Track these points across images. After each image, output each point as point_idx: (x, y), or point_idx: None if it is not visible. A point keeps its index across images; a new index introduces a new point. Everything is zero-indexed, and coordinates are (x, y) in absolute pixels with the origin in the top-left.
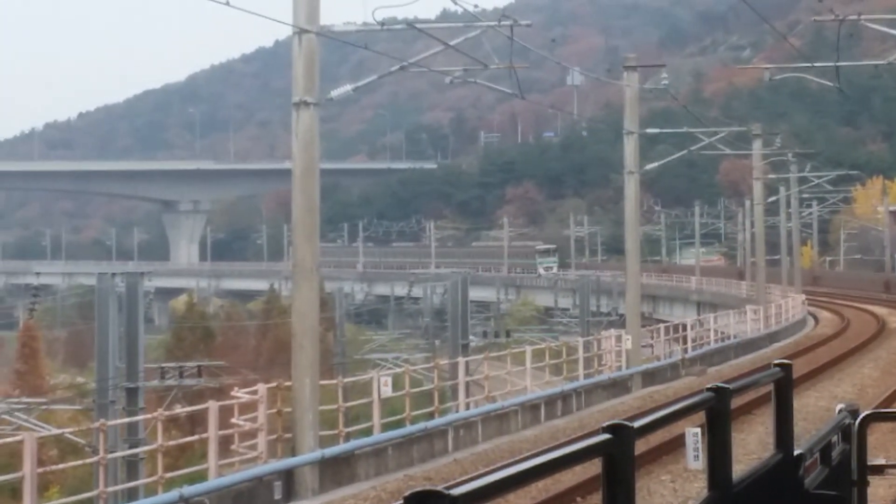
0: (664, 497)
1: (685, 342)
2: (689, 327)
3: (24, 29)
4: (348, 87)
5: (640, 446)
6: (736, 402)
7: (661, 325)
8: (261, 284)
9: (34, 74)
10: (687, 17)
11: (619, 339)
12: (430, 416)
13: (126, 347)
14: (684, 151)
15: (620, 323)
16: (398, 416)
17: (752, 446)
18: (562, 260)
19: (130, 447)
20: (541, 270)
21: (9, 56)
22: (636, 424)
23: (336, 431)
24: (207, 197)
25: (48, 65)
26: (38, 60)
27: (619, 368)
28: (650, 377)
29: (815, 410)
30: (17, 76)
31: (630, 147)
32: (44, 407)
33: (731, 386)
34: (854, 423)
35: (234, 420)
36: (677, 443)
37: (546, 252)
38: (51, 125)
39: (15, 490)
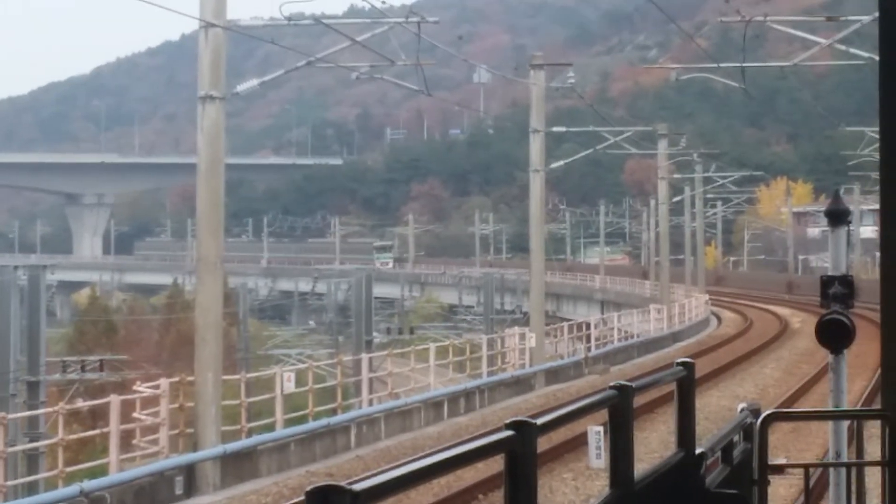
0: (566, 495)
1: (588, 341)
2: (592, 326)
3: None
4: (254, 82)
5: (543, 444)
6: (638, 401)
7: (565, 324)
8: (164, 279)
9: None
10: (593, 17)
11: (522, 337)
12: (333, 412)
13: (27, 340)
14: (590, 150)
15: (524, 321)
16: (301, 412)
17: (654, 445)
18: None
19: (31, 441)
20: (378, 265)
21: None
22: (539, 421)
23: (238, 427)
24: (112, 190)
25: None
26: None
27: (523, 366)
28: (553, 375)
29: (718, 410)
30: None
31: (536, 145)
32: None
33: (633, 384)
34: (756, 423)
35: (135, 414)
36: (580, 441)
37: (383, 248)
38: None
39: None
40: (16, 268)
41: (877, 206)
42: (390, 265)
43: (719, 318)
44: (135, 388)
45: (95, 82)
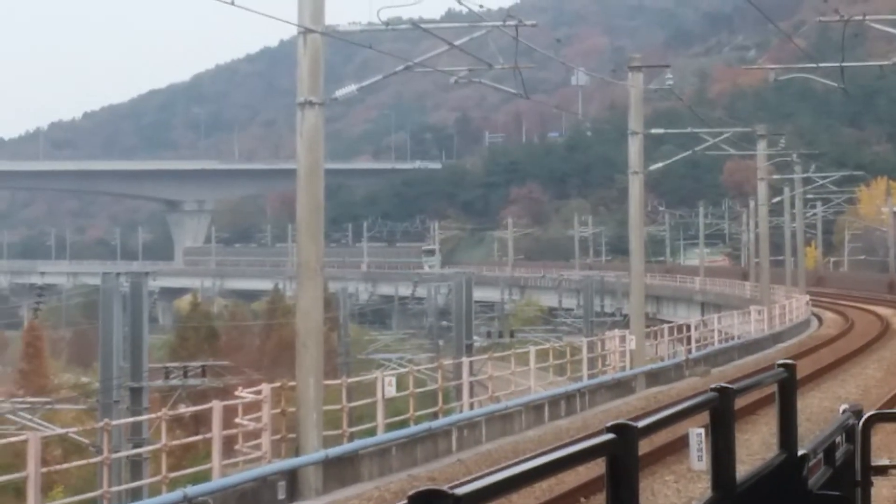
0: (668, 497)
1: (689, 343)
2: (692, 328)
3: (30, 28)
4: (353, 87)
5: (644, 446)
6: (740, 403)
7: (665, 326)
8: (265, 284)
9: (39, 74)
10: (692, 18)
11: (623, 339)
12: (434, 416)
13: (130, 347)
14: (689, 152)
15: (624, 323)
16: (402, 417)
17: (755, 447)
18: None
19: (134, 447)
20: (426, 268)
21: (14, 55)
22: (640, 424)
23: (340, 431)
24: (212, 197)
25: (53, 65)
26: (44, 60)
27: (623, 369)
28: (654, 378)
29: (819, 411)
30: (22, 76)
31: (634, 147)
32: (48, 406)
33: (734, 386)
34: (858, 424)
35: (238, 420)
36: (681, 443)
37: (430, 252)
38: (56, 125)
39: (19, 490)
40: (118, 275)
41: None
42: (438, 268)
43: (820, 319)
44: (237, 393)
45: (195, 89)
